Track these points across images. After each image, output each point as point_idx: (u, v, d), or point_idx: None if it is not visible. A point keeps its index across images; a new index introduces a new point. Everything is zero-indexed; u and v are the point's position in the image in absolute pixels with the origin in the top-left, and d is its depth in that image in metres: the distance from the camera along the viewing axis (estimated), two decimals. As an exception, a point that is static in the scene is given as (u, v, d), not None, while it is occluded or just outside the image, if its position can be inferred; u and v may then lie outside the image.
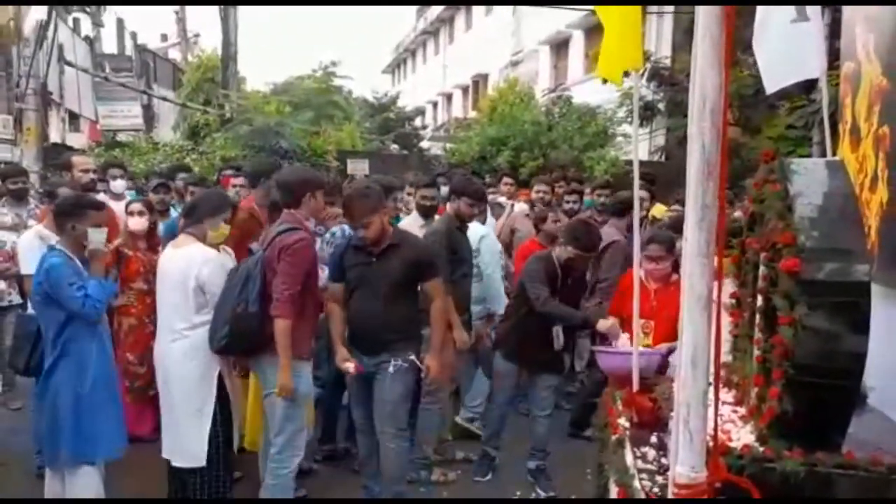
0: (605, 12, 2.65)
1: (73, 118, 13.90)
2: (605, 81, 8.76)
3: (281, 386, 3.10)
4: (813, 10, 3.01)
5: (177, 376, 3.29)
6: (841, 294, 2.11)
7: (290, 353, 3.08)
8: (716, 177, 1.36)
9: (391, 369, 3.29)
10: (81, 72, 11.25)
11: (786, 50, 2.99)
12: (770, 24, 3.06)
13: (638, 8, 2.57)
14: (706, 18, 1.33)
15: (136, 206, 4.54)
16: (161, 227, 4.95)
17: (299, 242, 3.14)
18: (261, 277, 3.14)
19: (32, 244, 3.87)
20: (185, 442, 3.28)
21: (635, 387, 2.90)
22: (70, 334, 3.12)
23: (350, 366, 3.31)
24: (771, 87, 3.35)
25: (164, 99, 12.28)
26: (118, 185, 5.25)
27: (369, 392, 3.38)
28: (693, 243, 1.37)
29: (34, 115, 8.92)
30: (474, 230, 4.36)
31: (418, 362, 3.35)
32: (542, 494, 3.90)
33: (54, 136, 11.05)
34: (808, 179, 2.27)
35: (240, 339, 3.12)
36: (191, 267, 3.22)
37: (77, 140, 13.51)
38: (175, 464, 3.35)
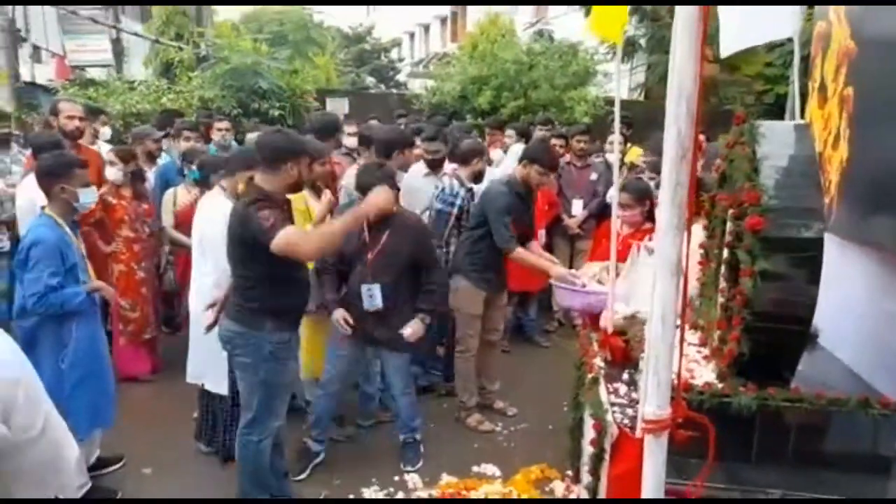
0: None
1: (34, 51, 13.35)
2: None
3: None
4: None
5: (193, 312, 3.50)
6: (797, 250, 2.34)
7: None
8: (689, 159, 1.54)
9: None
10: (47, 5, 10.76)
11: (751, 11, 3.08)
12: None
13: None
14: (684, 16, 1.47)
15: (109, 156, 4.53)
16: (151, 175, 5.02)
17: None
18: None
19: (33, 205, 3.60)
20: (210, 368, 3.46)
21: (609, 329, 3.16)
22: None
23: None
24: (727, 50, 3.46)
25: (136, 34, 11.83)
26: (106, 131, 5.25)
27: None
28: (667, 218, 1.56)
29: (3, 53, 8.57)
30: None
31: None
32: (410, 468, 3.68)
33: (23, 74, 10.68)
34: (774, 143, 2.45)
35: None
36: (199, 220, 3.44)
37: (43, 73, 13.04)
38: (206, 387, 3.57)
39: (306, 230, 2.96)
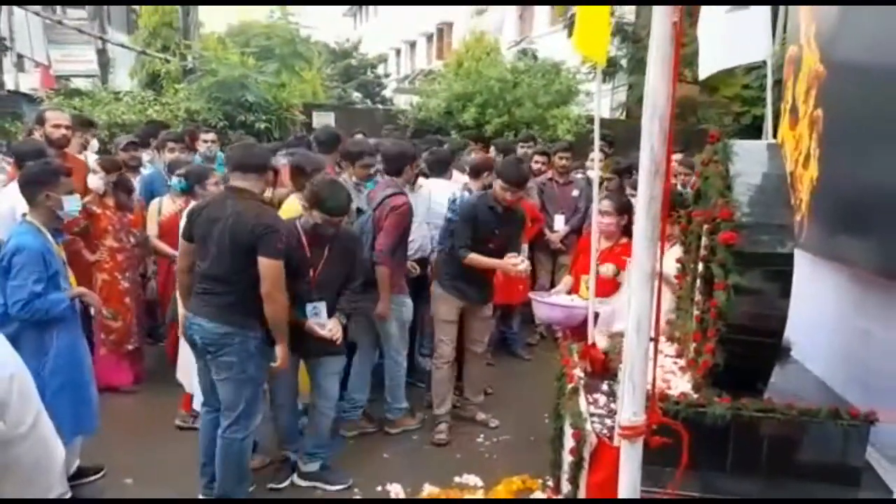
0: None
1: (18, 59, 13.29)
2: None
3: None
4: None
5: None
6: (769, 264, 2.43)
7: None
8: (662, 173, 1.61)
9: None
10: (32, 14, 10.73)
11: (727, 35, 3.22)
12: (711, 12, 3.30)
13: (606, 9, 2.77)
14: (659, 37, 1.55)
15: (93, 165, 4.52)
16: (136, 183, 5.01)
17: (404, 206, 3.90)
18: (373, 232, 3.86)
19: (13, 213, 3.62)
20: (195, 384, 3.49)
21: (590, 340, 3.22)
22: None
23: None
24: (705, 71, 3.59)
25: (122, 45, 11.81)
26: (94, 144, 5.26)
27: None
28: (642, 229, 1.63)
29: (-13, 62, 8.53)
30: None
31: None
32: (332, 489, 3.61)
33: (6, 82, 10.61)
34: (746, 162, 2.55)
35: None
36: None
37: (27, 82, 12.97)
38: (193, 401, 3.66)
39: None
